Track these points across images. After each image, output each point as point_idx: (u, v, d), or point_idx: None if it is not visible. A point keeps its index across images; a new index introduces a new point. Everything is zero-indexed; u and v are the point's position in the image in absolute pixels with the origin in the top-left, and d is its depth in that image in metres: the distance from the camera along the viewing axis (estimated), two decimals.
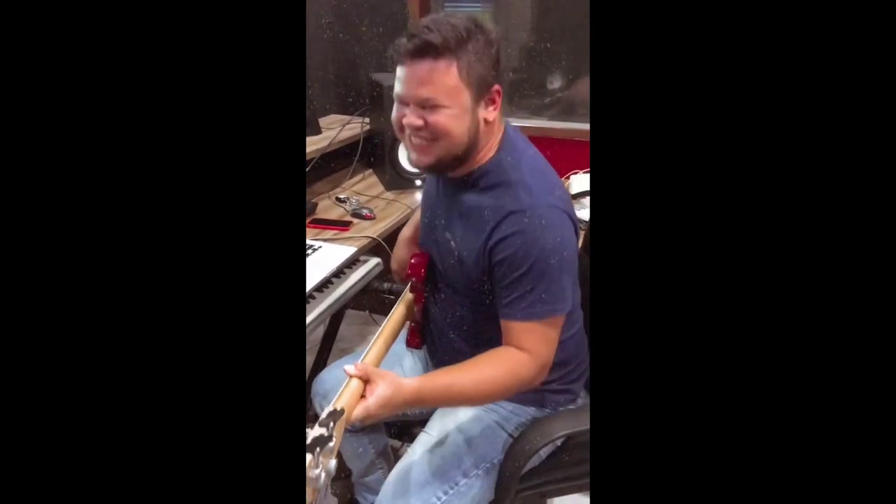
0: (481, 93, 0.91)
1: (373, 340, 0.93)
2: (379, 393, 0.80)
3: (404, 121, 0.92)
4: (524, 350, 0.91)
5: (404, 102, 0.91)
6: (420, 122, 0.90)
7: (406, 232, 1.28)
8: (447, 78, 0.87)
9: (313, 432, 0.71)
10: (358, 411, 0.79)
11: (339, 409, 0.74)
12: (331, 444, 0.70)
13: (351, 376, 0.81)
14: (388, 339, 0.98)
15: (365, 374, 0.81)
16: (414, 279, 1.10)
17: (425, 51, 0.86)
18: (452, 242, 1.01)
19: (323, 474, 0.68)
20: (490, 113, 0.93)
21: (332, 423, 0.72)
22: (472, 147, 0.93)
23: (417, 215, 1.30)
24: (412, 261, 1.11)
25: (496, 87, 0.92)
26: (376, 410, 0.80)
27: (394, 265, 1.29)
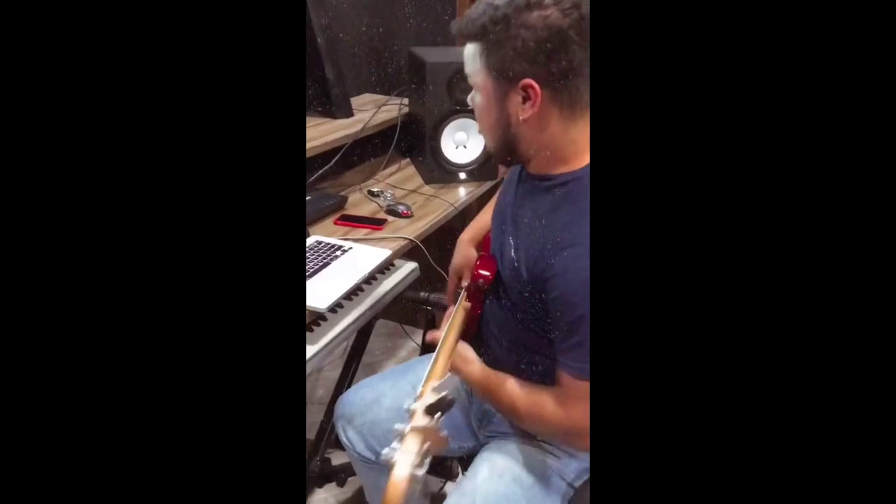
0: (507, 84, 0.84)
1: (434, 356, 0.97)
2: (464, 354, 0.97)
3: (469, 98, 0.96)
4: (569, 411, 0.90)
5: None
6: (471, 103, 0.94)
7: (465, 234, 1.26)
8: (475, 61, 0.87)
9: (429, 396, 0.76)
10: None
11: (447, 397, 0.78)
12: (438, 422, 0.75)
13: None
14: (449, 355, 1.01)
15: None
16: (481, 281, 1.05)
17: (461, 31, 0.88)
18: (512, 250, 0.97)
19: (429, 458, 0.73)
20: (525, 111, 0.84)
21: (445, 392, 0.76)
22: (507, 144, 0.91)
23: (481, 218, 1.28)
24: (479, 262, 1.08)
25: (527, 81, 0.81)
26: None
27: (456, 261, 1.29)
